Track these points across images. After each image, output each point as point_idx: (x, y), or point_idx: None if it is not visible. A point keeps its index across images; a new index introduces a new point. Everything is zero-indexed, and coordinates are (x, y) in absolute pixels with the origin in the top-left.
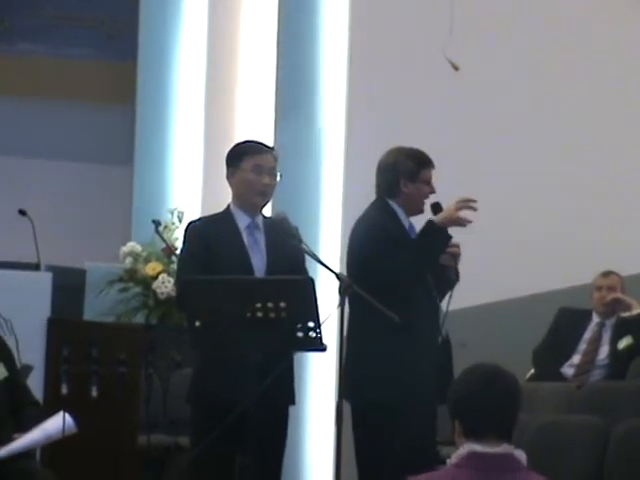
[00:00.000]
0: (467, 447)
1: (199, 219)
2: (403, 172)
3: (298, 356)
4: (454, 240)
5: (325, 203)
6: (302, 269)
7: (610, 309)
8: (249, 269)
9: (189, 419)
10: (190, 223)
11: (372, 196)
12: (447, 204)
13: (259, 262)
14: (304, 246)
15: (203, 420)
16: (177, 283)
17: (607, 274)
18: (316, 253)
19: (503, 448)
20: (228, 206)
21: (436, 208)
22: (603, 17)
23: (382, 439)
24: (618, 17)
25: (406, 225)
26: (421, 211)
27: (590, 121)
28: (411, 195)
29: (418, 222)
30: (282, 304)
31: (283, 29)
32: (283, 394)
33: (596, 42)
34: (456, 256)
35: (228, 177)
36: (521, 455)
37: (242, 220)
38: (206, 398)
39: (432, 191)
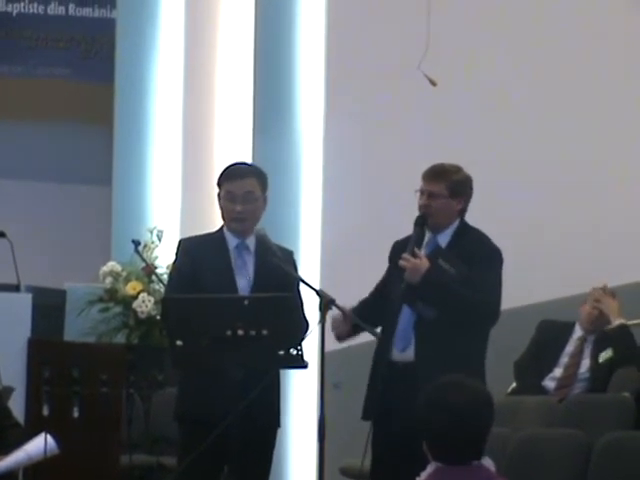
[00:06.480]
0: (435, 465)
1: (191, 237)
2: None
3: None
4: None
5: (304, 218)
6: (291, 290)
7: (597, 325)
8: (233, 289)
9: (175, 437)
10: (182, 239)
11: (351, 210)
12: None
13: (244, 282)
14: (283, 264)
15: (190, 438)
16: (162, 301)
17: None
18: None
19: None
20: (222, 226)
21: (418, 222)
22: (586, 29)
23: None
24: (600, 29)
25: (424, 240)
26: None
27: (574, 135)
28: None
29: None
30: (263, 322)
31: (260, 47)
32: (269, 417)
33: (578, 55)
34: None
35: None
36: (488, 462)
37: (231, 241)
38: (193, 416)
39: (422, 203)
